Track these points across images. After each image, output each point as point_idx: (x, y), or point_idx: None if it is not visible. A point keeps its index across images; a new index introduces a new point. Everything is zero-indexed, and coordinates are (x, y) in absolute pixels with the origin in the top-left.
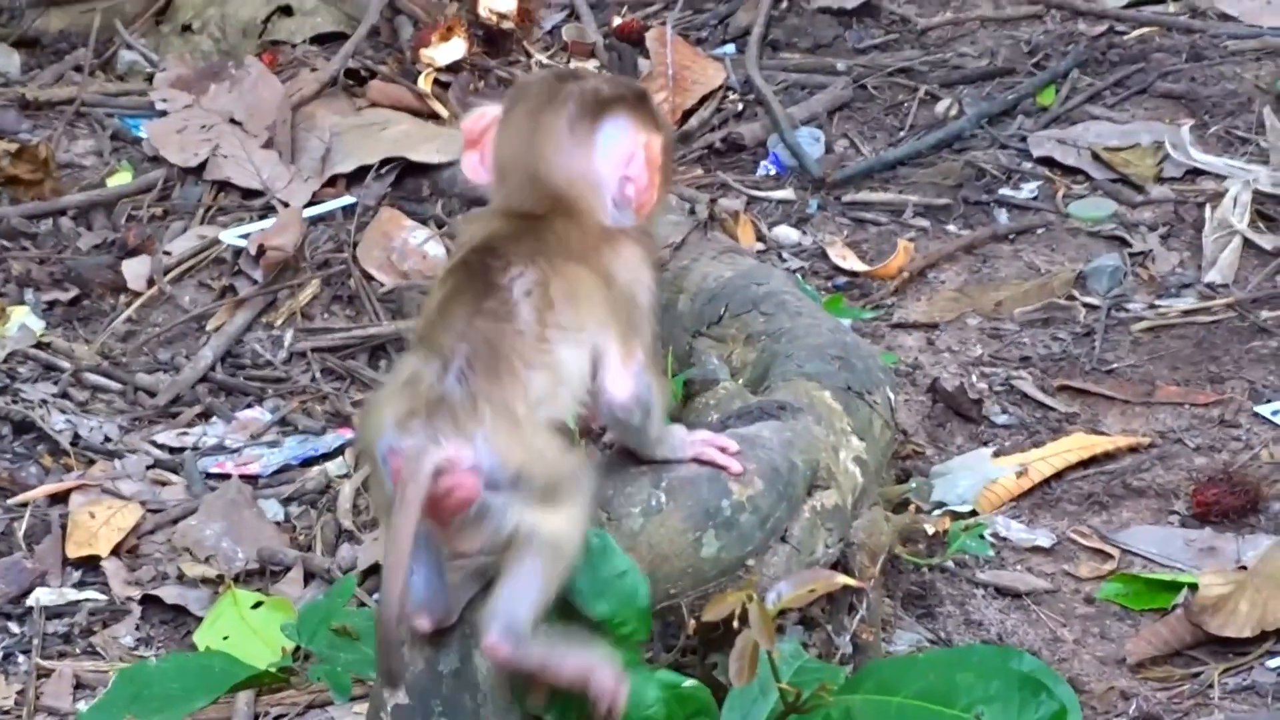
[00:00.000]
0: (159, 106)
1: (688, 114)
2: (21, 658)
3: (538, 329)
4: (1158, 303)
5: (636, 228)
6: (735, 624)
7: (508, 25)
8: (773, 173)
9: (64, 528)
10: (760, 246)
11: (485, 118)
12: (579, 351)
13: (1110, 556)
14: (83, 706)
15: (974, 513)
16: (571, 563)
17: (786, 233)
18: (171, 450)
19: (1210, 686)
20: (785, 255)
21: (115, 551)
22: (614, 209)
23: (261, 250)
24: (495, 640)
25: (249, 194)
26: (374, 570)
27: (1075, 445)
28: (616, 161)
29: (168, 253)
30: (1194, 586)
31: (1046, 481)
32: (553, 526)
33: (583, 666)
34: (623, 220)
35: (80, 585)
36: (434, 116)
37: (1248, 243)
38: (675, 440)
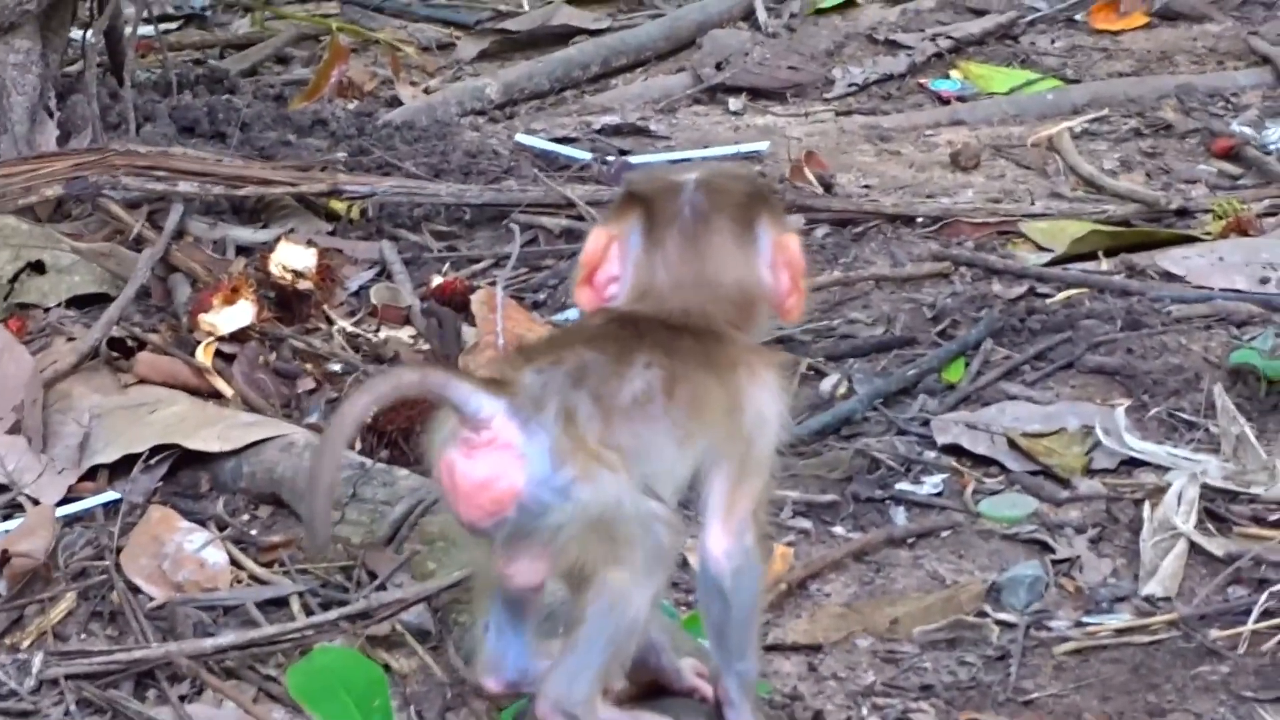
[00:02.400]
0: None
1: None
2: None
3: (641, 399)
4: (1086, 620)
5: (777, 356)
6: None
7: (304, 286)
8: None
9: None
10: None
11: (607, 240)
12: (675, 456)
13: None
14: None
15: None
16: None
17: None
18: None
19: None
20: None
21: None
22: (774, 313)
23: (6, 557)
24: (546, 711)
25: None
26: None
27: None
28: (773, 264)
29: None
30: None
31: None
32: (615, 579)
33: None
34: (786, 322)
35: None
36: (215, 395)
37: (1194, 548)
38: (754, 671)
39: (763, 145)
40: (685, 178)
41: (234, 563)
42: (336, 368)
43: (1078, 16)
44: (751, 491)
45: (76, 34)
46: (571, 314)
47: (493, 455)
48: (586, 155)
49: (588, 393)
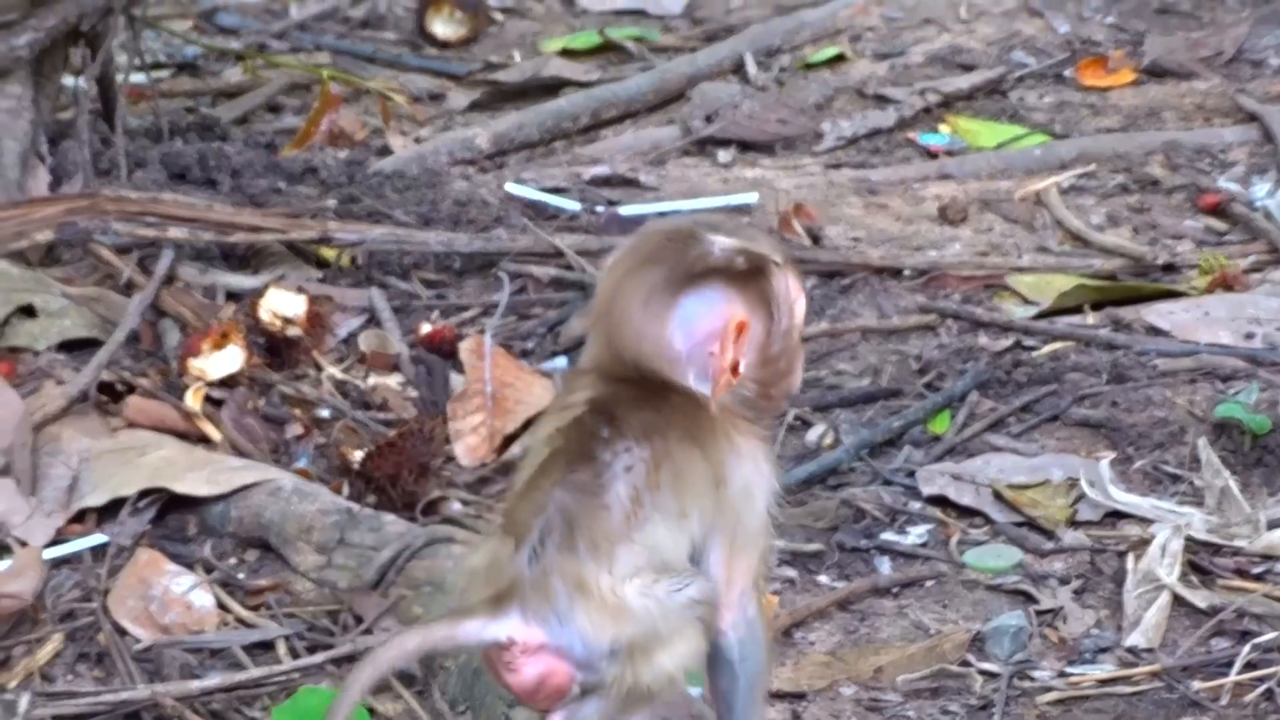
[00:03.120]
0: None
1: (510, 439)
2: None
3: (630, 507)
4: (1069, 670)
5: (758, 425)
6: None
7: (294, 332)
8: None
9: None
10: None
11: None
12: (678, 536)
13: None
14: None
15: None
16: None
17: None
18: None
19: None
20: None
21: None
22: (696, 386)
23: None
24: None
25: None
26: None
27: None
28: (698, 338)
29: None
30: None
31: None
32: (664, 662)
33: None
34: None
35: None
36: (204, 440)
37: (1178, 600)
38: None
39: (752, 197)
40: (698, 232)
41: (221, 605)
42: (325, 414)
43: (1066, 73)
44: (749, 564)
45: (69, 80)
46: (560, 362)
47: (532, 664)
48: (576, 205)
49: (582, 541)
